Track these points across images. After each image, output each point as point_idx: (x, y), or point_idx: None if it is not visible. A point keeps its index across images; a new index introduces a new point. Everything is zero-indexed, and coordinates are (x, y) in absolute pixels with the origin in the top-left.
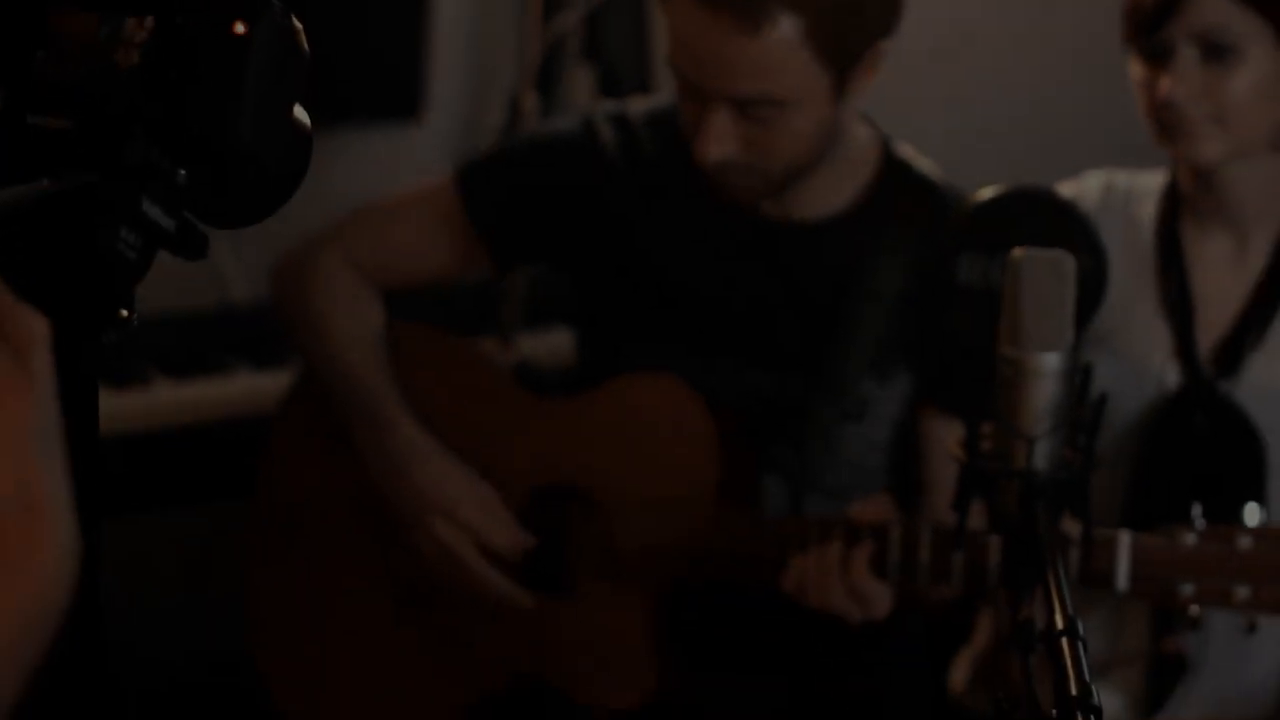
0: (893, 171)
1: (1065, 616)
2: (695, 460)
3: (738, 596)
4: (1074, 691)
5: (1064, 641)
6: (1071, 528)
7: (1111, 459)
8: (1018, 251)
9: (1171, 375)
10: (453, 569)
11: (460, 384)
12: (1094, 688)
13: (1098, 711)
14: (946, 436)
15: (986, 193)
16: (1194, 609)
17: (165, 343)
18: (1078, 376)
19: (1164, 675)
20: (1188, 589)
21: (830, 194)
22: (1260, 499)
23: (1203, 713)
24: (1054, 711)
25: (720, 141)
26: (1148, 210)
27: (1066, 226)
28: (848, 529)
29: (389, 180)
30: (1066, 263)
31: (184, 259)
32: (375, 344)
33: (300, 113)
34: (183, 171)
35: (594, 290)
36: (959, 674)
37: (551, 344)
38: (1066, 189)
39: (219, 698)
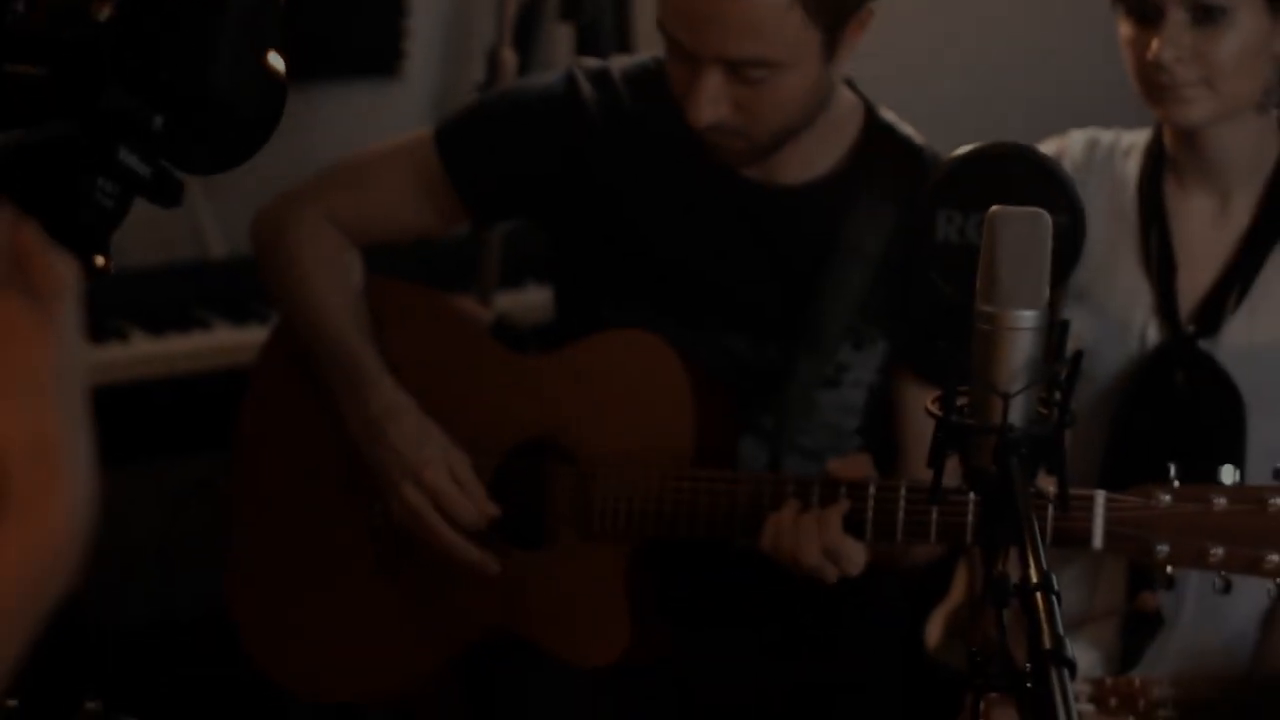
0: (876, 136)
1: (1039, 571)
2: (673, 417)
3: (713, 554)
4: (1047, 645)
5: (1038, 596)
6: (1047, 485)
7: (1090, 415)
8: (995, 208)
9: (1152, 332)
10: (420, 532)
11: (438, 340)
12: (1067, 641)
13: (1071, 664)
14: (922, 400)
15: (965, 150)
16: (1169, 568)
17: (144, 298)
18: (1054, 333)
19: (1139, 631)
20: (1163, 549)
21: (814, 158)
22: (1239, 457)
23: (1177, 668)
24: (1028, 665)
25: (712, 104)
26: (1131, 168)
27: (1044, 184)
28: (824, 486)
29: (368, 137)
30: (1043, 220)
31: (160, 206)
32: (355, 301)
33: (275, 60)
34: (159, 119)
35: (573, 248)
36: (934, 631)
37: (529, 301)
38: (1050, 146)
39: (196, 650)
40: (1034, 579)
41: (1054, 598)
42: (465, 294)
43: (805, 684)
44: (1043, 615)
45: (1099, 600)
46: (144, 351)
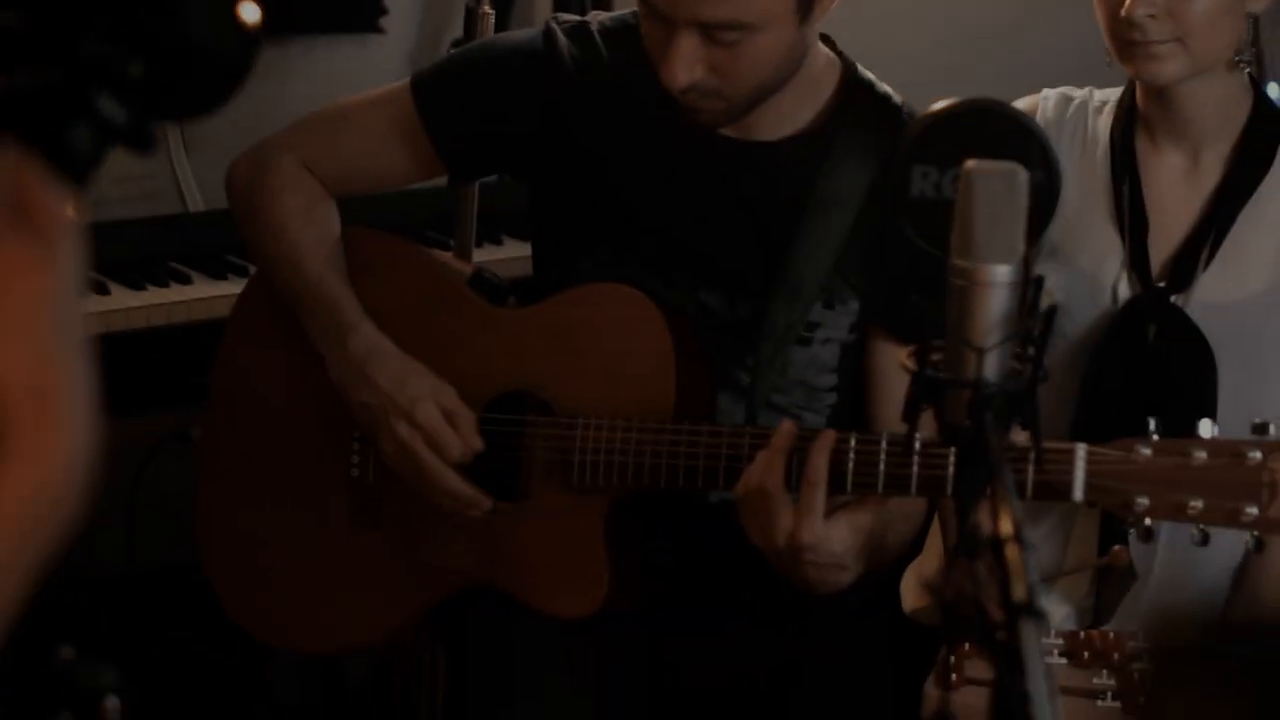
0: (853, 93)
1: (1011, 522)
2: (654, 370)
3: (692, 506)
4: (1019, 596)
5: (1009, 547)
6: (1022, 439)
7: (1063, 370)
8: (970, 163)
9: (1124, 288)
10: (411, 470)
11: (416, 291)
12: (1039, 592)
13: (1042, 616)
14: (894, 360)
15: (941, 105)
16: (1148, 521)
17: (124, 252)
18: (1029, 288)
19: (1111, 585)
20: (1143, 501)
21: (791, 114)
22: (1210, 410)
23: (1150, 622)
24: (1000, 616)
25: (687, 67)
26: (1103, 126)
27: (1020, 139)
28: (804, 438)
29: (347, 92)
30: (1019, 175)
31: (136, 154)
32: (332, 248)
33: (248, 9)
34: (137, 66)
35: (550, 203)
36: (909, 588)
37: (506, 258)
38: (1023, 105)
39: (172, 598)
40: (1006, 530)
41: (1026, 549)
42: (443, 250)
43: (782, 637)
44: (1015, 567)
45: (1071, 555)
46: (123, 304)
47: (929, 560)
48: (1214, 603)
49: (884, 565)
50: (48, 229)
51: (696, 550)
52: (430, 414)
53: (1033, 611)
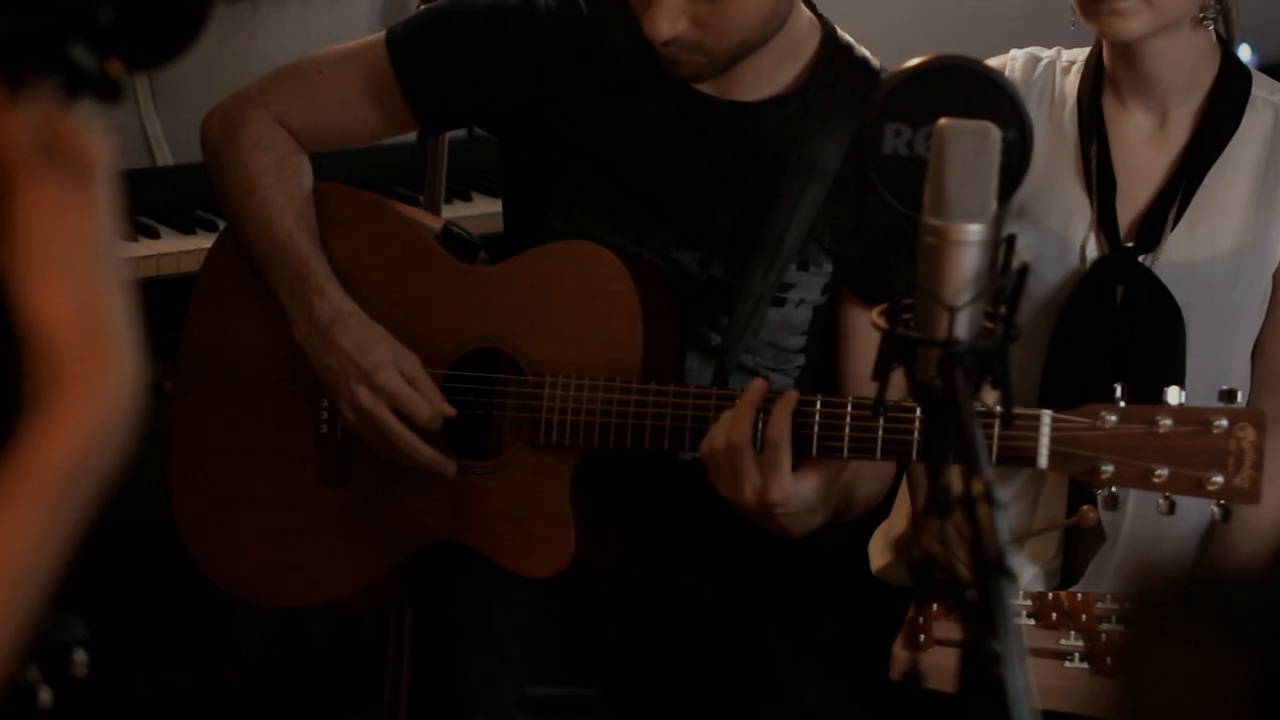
0: (834, 56)
1: (982, 481)
2: (621, 329)
3: (660, 464)
4: (989, 555)
5: (980, 506)
6: (991, 398)
7: (1031, 330)
8: (943, 121)
9: (1092, 248)
10: (374, 435)
11: (385, 247)
12: (1009, 550)
13: (1012, 575)
14: (866, 324)
15: (914, 63)
16: (1113, 489)
17: None
18: (1000, 247)
19: (1080, 547)
20: (1108, 469)
21: (771, 75)
22: (1178, 370)
23: (1117, 585)
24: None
25: (671, 20)
26: (1071, 85)
27: (992, 98)
28: (770, 399)
29: (319, 45)
30: (991, 133)
31: (103, 103)
32: (303, 206)
33: None
34: (108, 12)
35: (523, 158)
36: (877, 549)
37: (476, 214)
38: (991, 64)
39: (141, 550)
40: (977, 489)
41: (996, 507)
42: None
43: (749, 592)
44: (984, 525)
45: (1040, 516)
46: None
47: (897, 521)
48: (1183, 565)
49: (853, 517)
50: (84, 169)
51: (665, 505)
52: (392, 379)
53: (1003, 570)
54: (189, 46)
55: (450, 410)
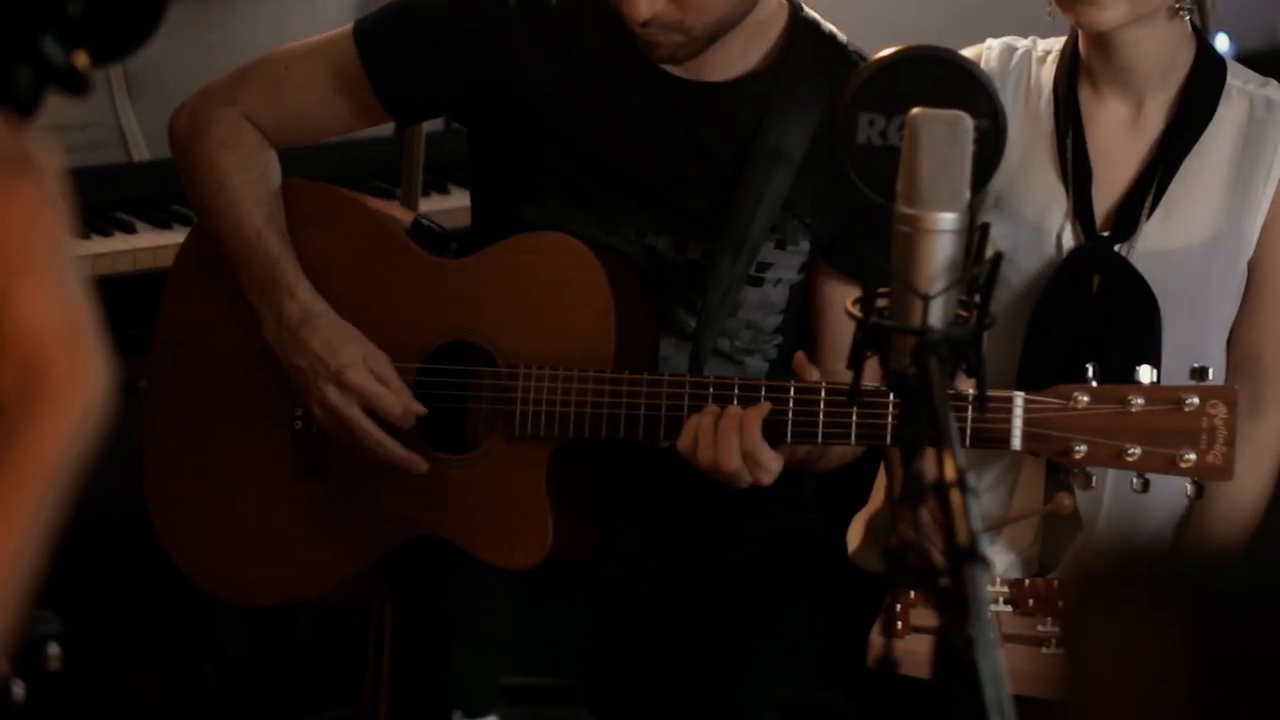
0: (801, 34)
1: (955, 468)
2: (593, 319)
3: (636, 454)
4: (962, 542)
5: (953, 493)
6: (966, 387)
7: (1008, 319)
8: (916, 110)
9: (1068, 237)
10: (345, 434)
11: (357, 242)
12: (982, 537)
13: (985, 561)
14: (843, 299)
15: (888, 52)
16: (1088, 469)
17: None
18: (974, 236)
19: (1056, 533)
20: (1081, 449)
21: (740, 55)
22: (1154, 358)
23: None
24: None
25: (650, 1)
26: (1046, 75)
27: (966, 87)
28: (744, 388)
29: (292, 36)
30: (964, 123)
31: (71, 95)
32: (272, 204)
33: None
34: (77, 5)
35: (493, 147)
36: (855, 535)
37: (453, 206)
38: (967, 54)
39: (119, 547)
40: (950, 476)
41: (969, 494)
42: (390, 200)
43: (729, 580)
44: (958, 512)
45: (1017, 503)
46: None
47: (874, 503)
48: (1160, 549)
49: (826, 468)
50: (46, 179)
51: (641, 494)
52: (362, 378)
53: (976, 557)
54: (151, 35)
55: (420, 409)
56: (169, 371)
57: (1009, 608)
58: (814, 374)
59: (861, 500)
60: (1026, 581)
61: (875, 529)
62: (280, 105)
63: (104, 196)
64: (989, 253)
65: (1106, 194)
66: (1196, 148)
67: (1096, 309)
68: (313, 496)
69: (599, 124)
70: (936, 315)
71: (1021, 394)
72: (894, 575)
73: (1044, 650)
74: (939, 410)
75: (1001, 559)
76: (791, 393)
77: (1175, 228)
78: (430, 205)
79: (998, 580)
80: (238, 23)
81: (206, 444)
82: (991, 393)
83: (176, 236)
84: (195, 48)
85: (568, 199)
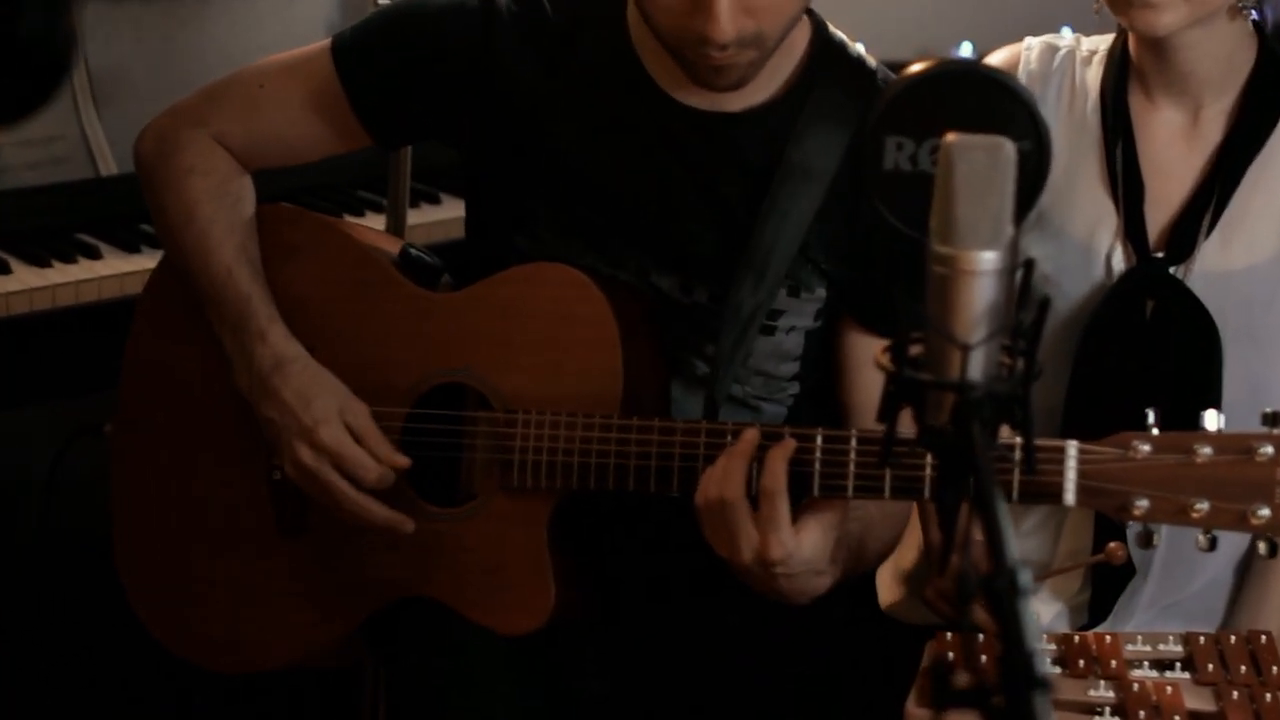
0: (824, 56)
1: (1004, 567)
2: (599, 360)
3: (644, 506)
4: (1017, 660)
5: (1005, 597)
6: (1011, 434)
7: (1053, 350)
8: (950, 137)
9: (1118, 259)
10: (321, 495)
11: (339, 275)
12: (1037, 656)
13: (1046, 683)
14: (868, 353)
15: (918, 68)
16: (1150, 526)
17: (26, 224)
18: (1018, 274)
19: (1108, 581)
20: (1142, 504)
21: (764, 80)
22: (1214, 391)
23: (1148, 621)
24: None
25: (733, 16)
26: (1093, 77)
27: (1004, 104)
28: (766, 437)
29: (270, 43)
30: (1005, 149)
31: None
32: (244, 237)
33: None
34: None
35: (485, 175)
36: (885, 583)
37: (444, 217)
38: (1005, 54)
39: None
40: (999, 576)
41: (1023, 598)
42: (374, 212)
43: (745, 638)
44: (1009, 623)
45: (1064, 549)
46: (25, 284)
47: (907, 554)
48: (1216, 598)
49: (866, 568)
50: None
51: (653, 551)
52: (335, 437)
53: (1035, 681)
54: (47, 102)
55: (404, 461)
56: (136, 414)
57: (1057, 669)
58: None
59: None
60: (1077, 638)
61: (908, 577)
62: (253, 127)
63: (68, 216)
64: (1036, 294)
65: (1160, 210)
66: (1259, 158)
67: (1150, 338)
68: (292, 553)
69: (598, 152)
70: (977, 366)
71: (1075, 443)
72: (939, 696)
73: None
74: (985, 488)
75: (1047, 609)
76: (819, 441)
77: (1236, 248)
78: (420, 217)
79: (1044, 636)
80: (213, 24)
81: (177, 496)
82: (1043, 442)
83: (146, 261)
84: (166, 52)
85: (565, 233)
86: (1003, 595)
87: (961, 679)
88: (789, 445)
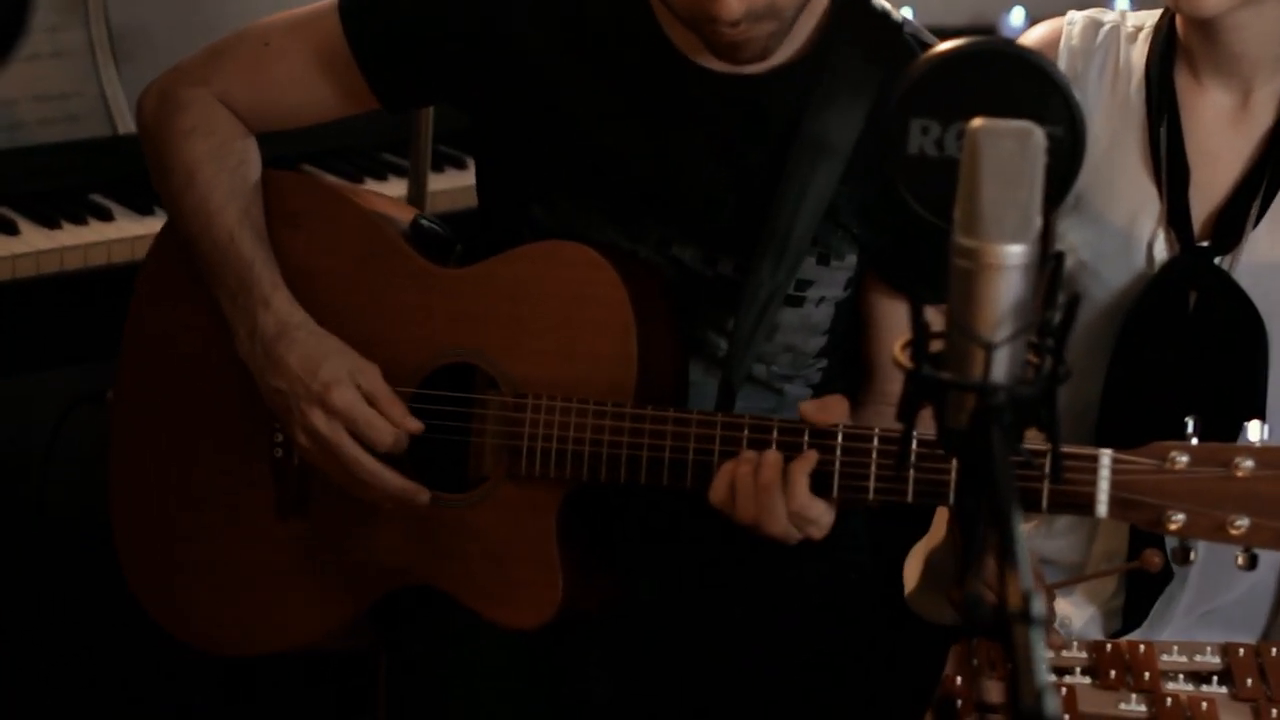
0: (845, 12)
1: (1019, 597)
2: (610, 341)
3: (656, 497)
4: (1024, 700)
5: (1018, 630)
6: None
7: (1088, 343)
8: (977, 122)
9: (1160, 247)
10: (332, 464)
11: (346, 248)
12: (1047, 695)
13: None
14: (899, 317)
15: (944, 48)
16: (1187, 543)
17: (39, 184)
18: (1047, 270)
19: (1144, 586)
20: (1179, 518)
21: (785, 43)
22: (1258, 390)
23: (1185, 629)
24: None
25: None
26: (1137, 55)
27: (1036, 86)
28: (785, 433)
29: (292, 4)
30: (1034, 136)
31: None
32: (248, 201)
33: None
34: None
35: (498, 141)
36: (912, 571)
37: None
38: (1045, 29)
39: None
40: (1014, 606)
41: (1035, 630)
42: (398, 176)
43: (760, 633)
44: (1019, 654)
45: (1098, 550)
46: (33, 246)
47: (935, 535)
48: (1258, 604)
49: None
50: None
51: (665, 539)
52: (348, 398)
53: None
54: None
55: (417, 425)
56: (136, 385)
57: (1086, 679)
58: (835, 417)
59: (922, 529)
60: (1108, 645)
61: (934, 569)
62: (258, 87)
63: (83, 175)
64: (1065, 291)
65: (1206, 197)
66: None
67: (1193, 333)
68: (294, 536)
69: (615, 120)
70: (1001, 366)
71: (1109, 452)
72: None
73: None
74: (1002, 505)
75: (1079, 613)
76: (840, 439)
77: None
78: (446, 182)
79: (1075, 644)
80: None
81: (178, 473)
82: (1073, 449)
83: (157, 224)
84: (188, 5)
85: (581, 200)
86: (1013, 627)
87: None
88: (810, 459)
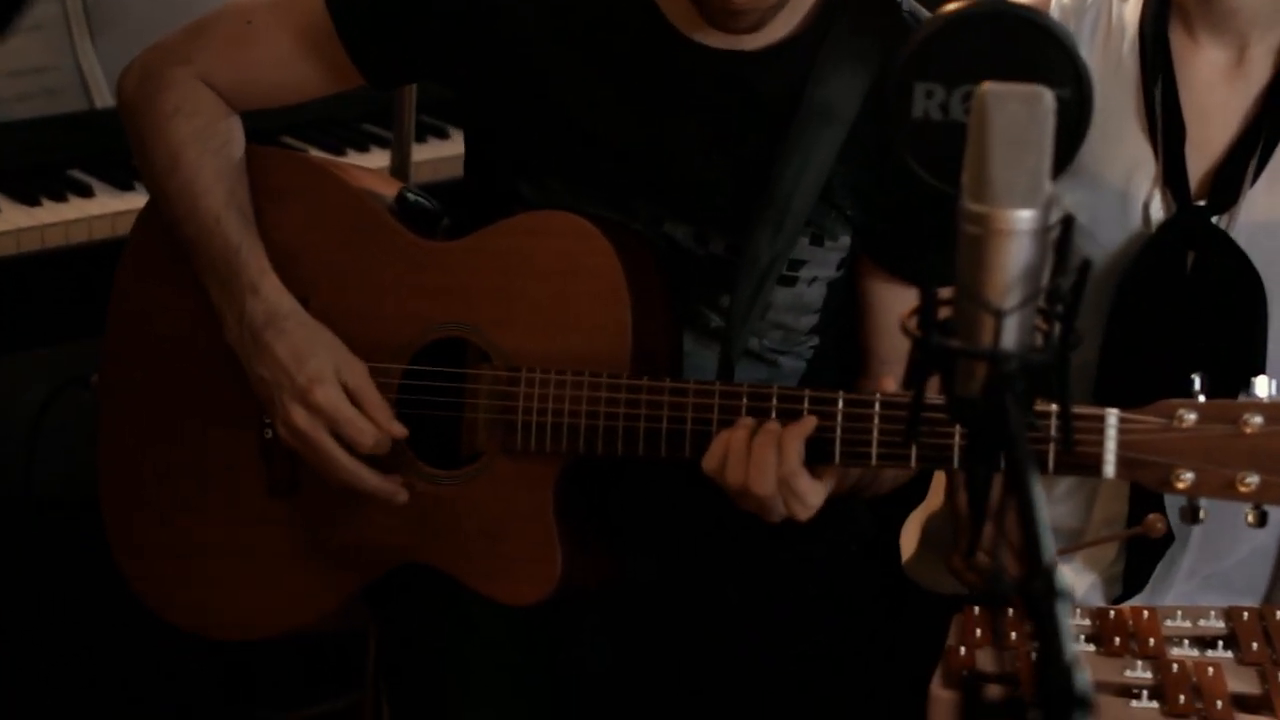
0: None
1: (1041, 568)
2: (607, 314)
3: (655, 470)
4: (1054, 674)
5: (1041, 601)
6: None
7: (1086, 305)
8: (986, 86)
9: (1157, 207)
10: (313, 458)
11: (332, 223)
12: (1076, 671)
13: (1087, 703)
14: (894, 302)
15: (949, 9)
16: (1195, 501)
17: (14, 161)
18: (1055, 232)
19: (1145, 551)
20: (1187, 476)
21: (782, 16)
22: (1258, 349)
23: (1187, 594)
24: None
25: None
26: (1130, 11)
27: (1041, 48)
28: (784, 398)
29: None
30: (1044, 99)
31: None
32: (233, 182)
33: None
34: None
35: (484, 117)
36: (909, 538)
37: (453, 152)
38: None
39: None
40: (1034, 578)
41: (1062, 603)
42: (380, 147)
43: (760, 610)
44: (1045, 628)
45: (1098, 516)
46: (13, 224)
47: (932, 502)
48: (1260, 567)
49: (878, 493)
50: None
51: (663, 512)
52: (330, 397)
53: (1076, 700)
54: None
55: (401, 431)
56: (122, 366)
57: (1090, 646)
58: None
59: (913, 496)
60: (1112, 612)
61: (932, 536)
62: (240, 65)
63: (60, 151)
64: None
65: (1203, 156)
66: None
67: (1191, 293)
68: (286, 517)
69: (605, 95)
70: (1011, 333)
71: (1116, 411)
72: (973, 713)
73: (1133, 704)
74: (1021, 476)
75: (1080, 581)
76: (840, 405)
77: None
78: (429, 153)
79: (1077, 611)
80: None
81: (166, 453)
82: (1080, 409)
83: (138, 200)
84: None
85: (571, 178)
86: (1039, 600)
87: (994, 690)
88: (808, 424)
